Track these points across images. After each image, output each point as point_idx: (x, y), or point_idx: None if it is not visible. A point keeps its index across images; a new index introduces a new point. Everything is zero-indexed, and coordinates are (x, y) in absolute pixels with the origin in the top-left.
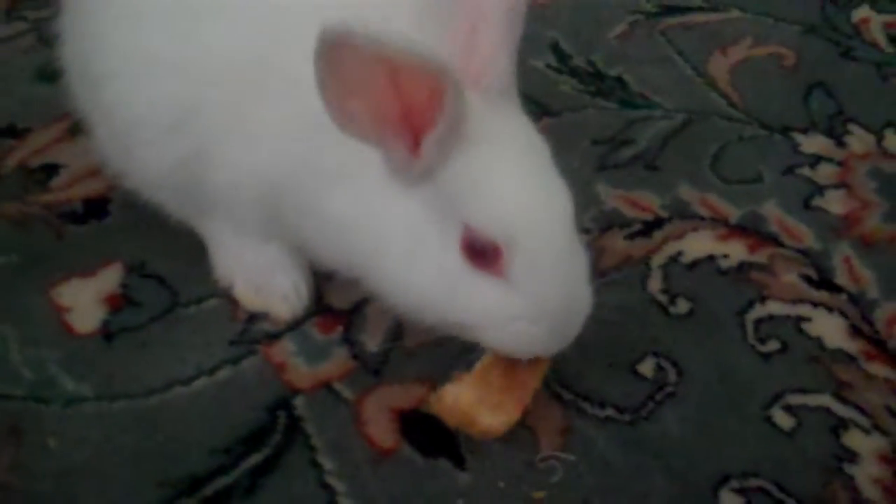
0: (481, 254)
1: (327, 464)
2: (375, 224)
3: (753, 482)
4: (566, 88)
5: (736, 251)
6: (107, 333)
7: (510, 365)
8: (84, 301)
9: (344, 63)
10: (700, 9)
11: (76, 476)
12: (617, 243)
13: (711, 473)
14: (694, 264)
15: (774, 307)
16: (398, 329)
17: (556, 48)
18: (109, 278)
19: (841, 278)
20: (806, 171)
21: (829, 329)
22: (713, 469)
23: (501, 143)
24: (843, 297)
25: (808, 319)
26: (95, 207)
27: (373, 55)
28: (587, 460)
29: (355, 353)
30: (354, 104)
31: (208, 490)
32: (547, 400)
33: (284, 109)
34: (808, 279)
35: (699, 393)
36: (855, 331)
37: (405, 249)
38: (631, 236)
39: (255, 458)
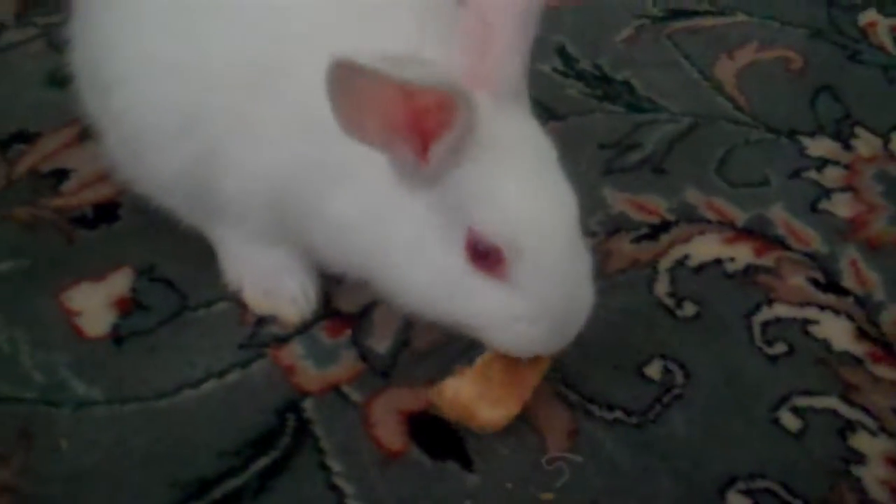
0: (484, 257)
1: (336, 466)
2: (380, 225)
3: (760, 484)
4: (573, 92)
5: (742, 254)
6: (117, 337)
7: (511, 360)
8: (94, 305)
9: (355, 87)
10: (706, 13)
11: (86, 479)
12: (624, 247)
13: (718, 475)
14: (701, 267)
15: (781, 310)
16: (406, 332)
17: (562, 52)
18: (119, 282)
19: (847, 281)
20: (812, 174)
21: (836, 331)
22: (720, 471)
23: (508, 146)
24: (850, 299)
25: (815, 322)
26: (105, 212)
27: (383, 83)
28: (594, 462)
29: (363, 355)
30: (365, 118)
31: (217, 492)
32: (554, 402)
33: (288, 111)
34: (814, 282)
35: (706, 395)
36: (861, 333)
37: (409, 250)
38: (638, 240)
39: (264, 461)
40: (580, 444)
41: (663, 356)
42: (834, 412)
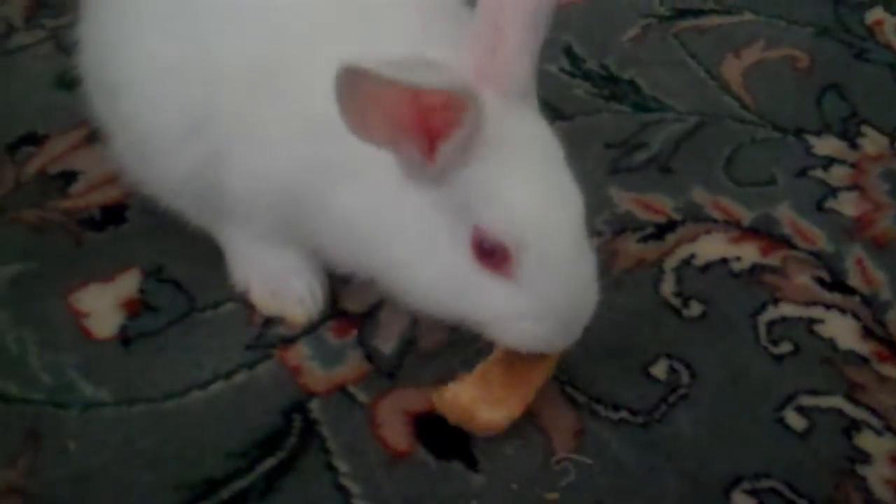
0: (490, 255)
1: (342, 466)
2: (386, 223)
3: (766, 483)
4: (579, 92)
5: (749, 253)
6: (125, 338)
7: (512, 362)
8: (102, 306)
9: (363, 92)
10: (713, 12)
11: (94, 480)
12: (630, 246)
13: (724, 474)
14: (707, 267)
15: (787, 309)
16: (412, 332)
17: (569, 52)
18: (127, 284)
19: (854, 280)
20: (819, 173)
21: (842, 331)
22: (725, 470)
23: (516, 146)
24: (856, 298)
25: (821, 321)
26: (113, 214)
27: (391, 87)
28: (600, 462)
29: (370, 356)
30: (373, 119)
31: (225, 493)
32: (560, 402)
33: (294, 112)
34: (820, 281)
35: (712, 395)
36: (867, 332)
37: (416, 248)
38: (644, 239)
39: (270, 461)
40: (586, 444)
41: (669, 356)
42: (839, 411)
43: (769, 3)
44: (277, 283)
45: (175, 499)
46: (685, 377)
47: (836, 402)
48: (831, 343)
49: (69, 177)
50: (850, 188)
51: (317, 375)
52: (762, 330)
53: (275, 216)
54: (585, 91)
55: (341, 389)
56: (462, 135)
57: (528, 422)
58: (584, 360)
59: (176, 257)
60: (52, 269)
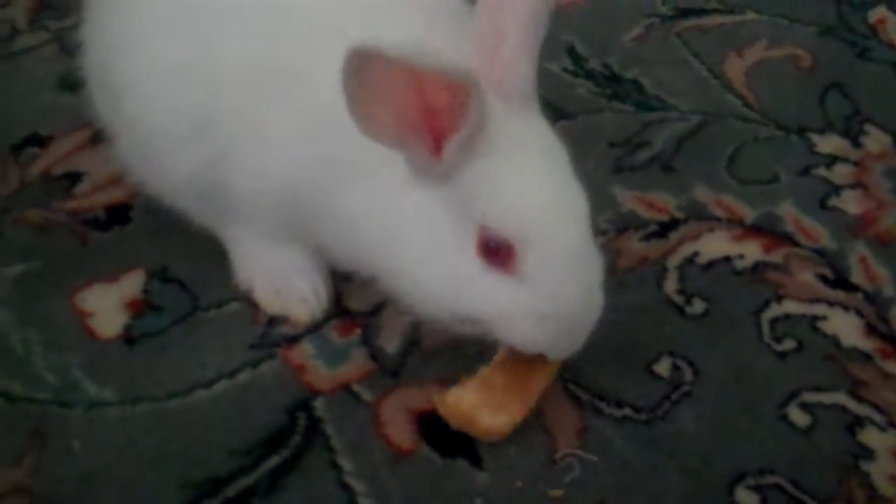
0: (495, 252)
1: (347, 464)
2: (392, 222)
3: (769, 479)
4: (582, 91)
5: (751, 251)
6: (129, 338)
7: (516, 368)
8: (106, 306)
9: (371, 78)
10: (715, 11)
11: (99, 479)
12: (633, 244)
13: (727, 471)
14: (710, 265)
15: (790, 306)
16: (416, 331)
17: (571, 52)
18: (131, 283)
19: (857, 277)
20: (822, 171)
21: (845, 328)
22: (729, 467)
23: (520, 145)
24: (859, 295)
25: (824, 318)
26: (117, 214)
27: (398, 72)
28: (604, 459)
29: (374, 355)
30: (380, 112)
31: (230, 491)
32: (563, 400)
33: (299, 111)
34: (823, 278)
35: (715, 392)
36: (871, 329)
37: (421, 246)
38: (647, 237)
39: (275, 460)
40: (589, 442)
41: (672, 353)
42: (843, 408)
43: (772, 2)
44: (281, 282)
45: (179, 497)
46: (688, 374)
47: (840, 398)
48: (834, 340)
49: (73, 177)
50: (853, 186)
51: (321, 374)
52: (765, 327)
53: (278, 215)
54: (588, 90)
55: (345, 388)
56: (468, 130)
57: (531, 420)
58: (588, 358)
59: (180, 257)
60: (56, 270)
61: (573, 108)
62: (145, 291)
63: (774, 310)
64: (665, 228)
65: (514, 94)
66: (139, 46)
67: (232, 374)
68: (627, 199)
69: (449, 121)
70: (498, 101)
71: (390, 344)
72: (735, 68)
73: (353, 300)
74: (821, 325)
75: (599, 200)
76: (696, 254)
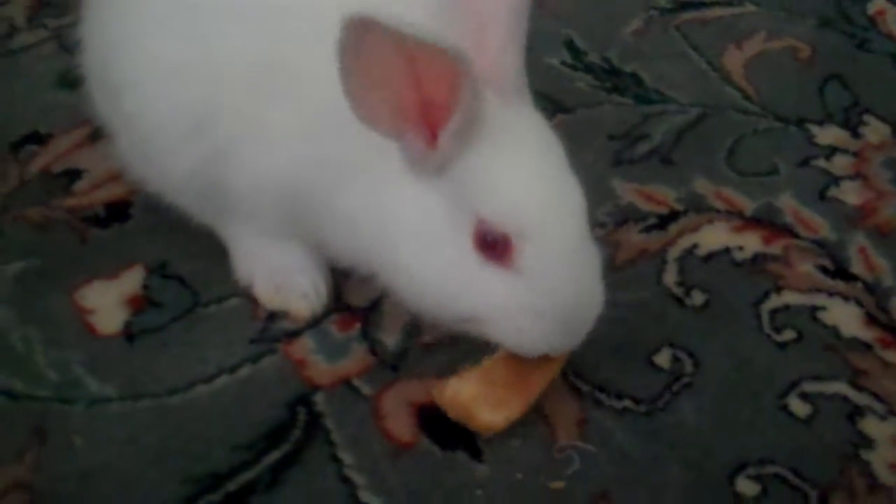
0: (492, 246)
1: (347, 458)
2: (389, 217)
3: (770, 469)
4: (581, 85)
5: (751, 243)
6: (129, 334)
7: (517, 363)
8: (107, 303)
9: (367, 52)
10: (714, 3)
11: (100, 475)
12: (632, 237)
13: (728, 462)
14: (709, 256)
15: (790, 297)
16: (415, 325)
17: (570, 45)
18: (131, 280)
19: (856, 268)
20: (821, 162)
21: (845, 318)
22: (730, 457)
23: (515, 138)
24: (859, 286)
25: (824, 308)
26: (117, 211)
27: (395, 44)
28: (604, 451)
29: (373, 349)
30: (376, 96)
31: (231, 486)
32: (563, 391)
33: (298, 110)
34: (823, 269)
35: (715, 383)
36: (870, 319)
37: (418, 241)
38: (646, 230)
39: (276, 454)
40: (590, 434)
41: (672, 345)
42: (843, 397)
43: None
44: (281, 278)
45: (181, 493)
46: (689, 366)
47: (840, 388)
48: (834, 330)
49: (73, 175)
50: (852, 177)
51: (321, 368)
52: (765, 318)
53: (277, 213)
54: (587, 84)
55: (345, 382)
56: (462, 114)
57: (531, 412)
58: (588, 350)
59: (180, 253)
60: (56, 267)
61: (572, 102)
62: (145, 288)
63: (774, 301)
64: (664, 221)
65: (505, 87)
66: (138, 44)
67: (232, 369)
68: (627, 191)
69: (444, 110)
70: (492, 94)
71: (390, 338)
72: (734, 60)
73: (353, 295)
74: (821, 315)
75: (599, 193)
76: (695, 246)
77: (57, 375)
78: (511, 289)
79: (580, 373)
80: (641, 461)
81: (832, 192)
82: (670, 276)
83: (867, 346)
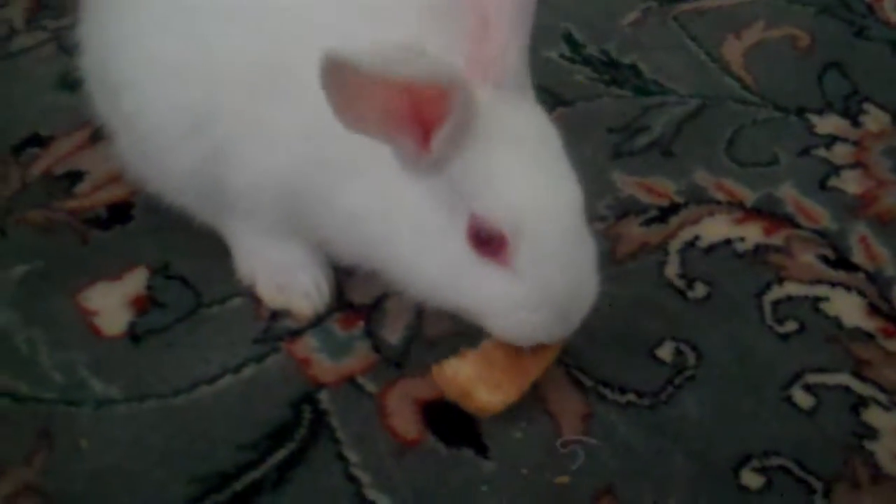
0: (487, 242)
1: (353, 456)
2: (387, 214)
3: (774, 461)
4: (580, 78)
5: (752, 234)
6: (133, 335)
7: (516, 348)
8: (110, 304)
9: (348, 83)
10: None
11: (107, 476)
12: (633, 230)
13: (732, 454)
14: (711, 248)
15: (792, 288)
16: (418, 322)
17: (568, 38)
18: (135, 281)
19: (858, 257)
20: (821, 151)
21: (847, 308)
22: (734, 450)
23: (511, 133)
24: (861, 275)
25: (826, 299)
26: (119, 212)
27: (376, 77)
28: (609, 445)
29: (377, 346)
30: (363, 109)
31: (237, 485)
32: (567, 386)
33: (295, 109)
34: (825, 259)
35: (718, 375)
36: (873, 309)
37: (415, 237)
38: (647, 222)
39: (281, 453)
40: (594, 428)
41: (675, 338)
42: (846, 388)
43: None
44: (283, 277)
45: (188, 493)
46: (691, 359)
47: (843, 378)
48: (837, 321)
49: (74, 177)
50: (852, 166)
51: (325, 367)
52: (767, 309)
53: (278, 211)
54: (586, 76)
55: (349, 380)
56: (454, 122)
57: (536, 407)
58: (591, 344)
59: (182, 254)
60: (59, 269)
61: (571, 95)
62: (149, 289)
63: (776, 292)
64: (665, 213)
65: (504, 82)
66: (137, 45)
67: (236, 369)
68: (627, 184)
69: (435, 113)
70: (489, 88)
71: (393, 335)
72: (733, 50)
73: (355, 293)
74: (823, 306)
75: (599, 186)
76: (696, 238)
77: (62, 377)
78: (506, 285)
79: (583, 367)
80: (645, 455)
81: (832, 181)
82: (672, 269)
83: (869, 336)
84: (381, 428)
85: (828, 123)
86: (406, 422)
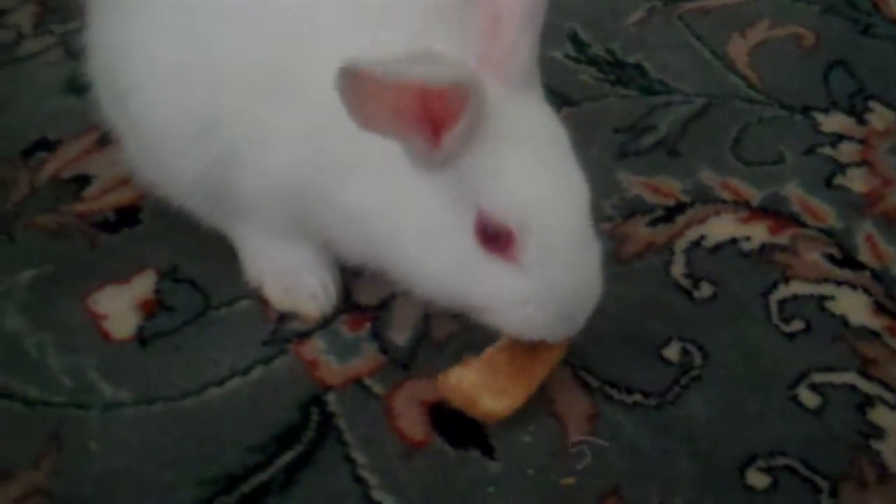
0: (495, 238)
1: (360, 458)
2: (396, 213)
3: (780, 461)
4: (586, 78)
5: (758, 233)
6: (142, 339)
7: (519, 352)
8: (119, 308)
9: (364, 91)
10: None
11: (116, 479)
12: (639, 230)
13: (738, 454)
14: (717, 248)
15: (798, 287)
16: (425, 324)
17: (574, 38)
18: (143, 284)
19: (864, 256)
20: (827, 150)
21: (853, 307)
22: (740, 450)
23: (520, 131)
24: (867, 274)
25: (832, 298)
26: (127, 216)
27: (392, 84)
28: (615, 445)
29: (384, 348)
30: (377, 110)
31: (245, 488)
32: (573, 386)
33: (302, 109)
34: (831, 258)
35: (725, 375)
36: (879, 307)
37: (422, 233)
38: (653, 222)
39: (289, 455)
40: (600, 428)
41: (681, 338)
42: (852, 387)
43: None
44: (290, 279)
45: (196, 495)
46: (698, 358)
47: (849, 377)
48: (843, 319)
49: (82, 181)
50: (858, 164)
51: (332, 369)
52: (773, 309)
53: (285, 212)
54: (591, 76)
55: (357, 382)
56: (466, 121)
57: (542, 407)
58: (597, 344)
59: (190, 257)
60: (68, 273)
61: (577, 95)
62: (157, 292)
63: (782, 291)
64: (671, 213)
65: (514, 79)
66: (143, 49)
67: (245, 371)
68: (633, 184)
69: (448, 113)
70: (499, 85)
71: (400, 337)
72: (738, 49)
73: (363, 294)
74: (829, 304)
75: (605, 186)
76: (702, 237)
77: (71, 381)
78: (513, 281)
79: (590, 368)
80: (652, 455)
81: (838, 179)
82: (678, 269)
83: (876, 335)
84: (389, 429)
85: (833, 122)
86: (413, 423)
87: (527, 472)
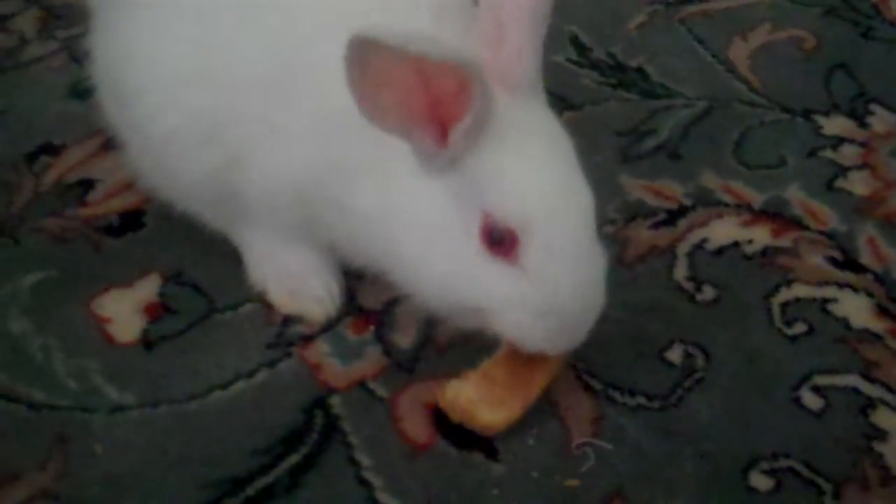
0: (499, 242)
1: (364, 460)
2: (400, 213)
3: (783, 463)
4: (587, 82)
5: (760, 236)
6: (147, 342)
7: (516, 363)
8: (124, 311)
9: (373, 65)
10: None
11: (122, 482)
12: (642, 233)
13: (741, 456)
14: (719, 251)
15: (800, 290)
16: (429, 326)
17: (575, 42)
18: (147, 288)
19: (866, 258)
20: (828, 153)
21: (856, 309)
22: (743, 452)
23: (525, 135)
24: (869, 276)
25: (834, 300)
26: (131, 220)
27: (400, 58)
28: (619, 448)
29: (388, 351)
30: (384, 98)
31: (250, 490)
32: (577, 389)
33: (310, 112)
34: (833, 261)
35: (727, 378)
36: (881, 310)
37: (427, 235)
38: (655, 225)
39: (294, 458)
40: (604, 431)
41: (683, 340)
42: (855, 390)
43: None
44: (294, 282)
45: (201, 498)
46: (700, 361)
47: (852, 380)
48: (845, 322)
49: (87, 185)
50: (860, 167)
51: (336, 372)
52: (776, 311)
53: (291, 215)
54: (593, 80)
55: (361, 385)
56: (473, 117)
57: (546, 410)
58: (600, 347)
59: (194, 260)
60: (73, 277)
61: (579, 99)
62: (161, 295)
63: (784, 294)
64: (673, 216)
65: (519, 86)
66: (147, 53)
67: (249, 374)
68: (635, 187)
69: (454, 108)
70: (504, 92)
71: (404, 339)
72: (739, 53)
73: (366, 298)
74: (831, 307)
75: (607, 190)
76: (705, 240)
77: (76, 384)
78: (515, 284)
79: (593, 371)
80: (655, 457)
81: (840, 182)
82: (680, 272)
83: (878, 338)
84: (393, 432)
85: (835, 125)
86: (417, 426)
87: (531, 475)
